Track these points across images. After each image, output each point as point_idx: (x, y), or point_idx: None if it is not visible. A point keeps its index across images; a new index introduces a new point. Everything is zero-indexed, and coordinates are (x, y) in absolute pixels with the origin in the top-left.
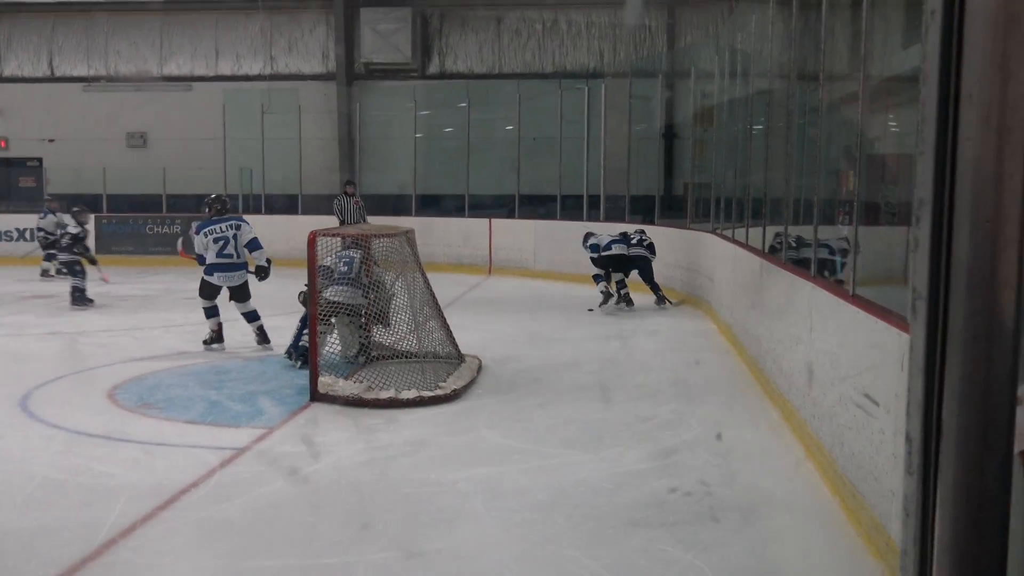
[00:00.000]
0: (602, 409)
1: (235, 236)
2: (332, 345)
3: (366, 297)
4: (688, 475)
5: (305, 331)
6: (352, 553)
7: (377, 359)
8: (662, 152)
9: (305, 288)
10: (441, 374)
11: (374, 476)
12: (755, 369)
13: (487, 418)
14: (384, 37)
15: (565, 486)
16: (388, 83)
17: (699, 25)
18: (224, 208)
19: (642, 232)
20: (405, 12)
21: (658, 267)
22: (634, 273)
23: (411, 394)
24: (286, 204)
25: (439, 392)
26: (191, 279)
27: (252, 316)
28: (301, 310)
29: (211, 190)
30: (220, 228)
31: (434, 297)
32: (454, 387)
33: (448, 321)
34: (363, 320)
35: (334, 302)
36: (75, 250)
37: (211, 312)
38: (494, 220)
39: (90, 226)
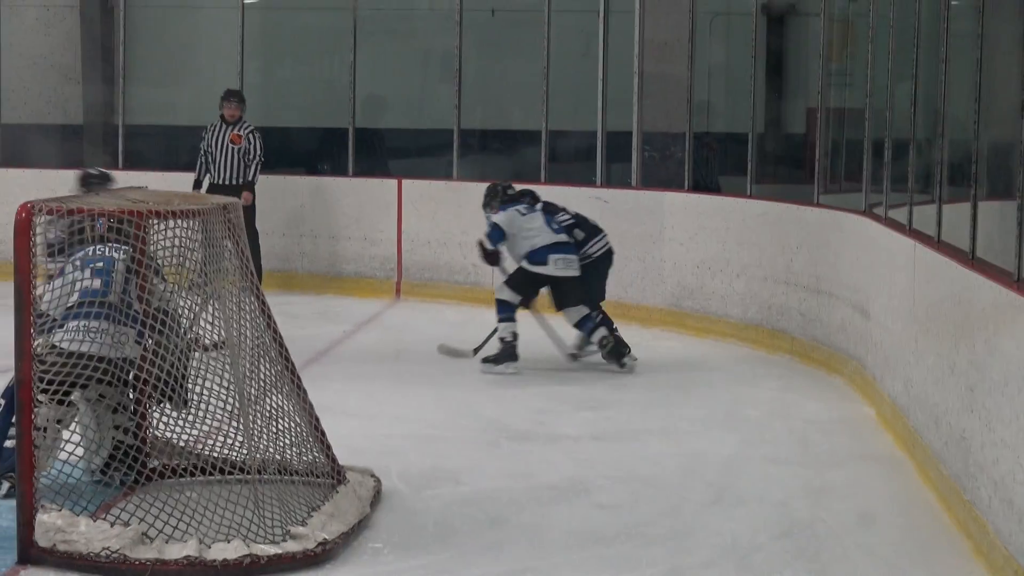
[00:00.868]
0: None
1: None
2: (68, 446)
3: (139, 343)
4: None
5: (11, 420)
6: None
7: (161, 475)
8: (761, 45)
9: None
10: (296, 508)
11: None
12: (958, 504)
13: None
14: None
15: None
16: None
17: None
18: None
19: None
20: None
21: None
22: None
23: (232, 551)
24: None
25: (291, 548)
26: None
27: None
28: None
29: None
30: None
31: (283, 347)
32: (323, 537)
33: (313, 396)
34: (133, 392)
35: (73, 354)
36: None
37: None
38: (408, 182)
39: None
